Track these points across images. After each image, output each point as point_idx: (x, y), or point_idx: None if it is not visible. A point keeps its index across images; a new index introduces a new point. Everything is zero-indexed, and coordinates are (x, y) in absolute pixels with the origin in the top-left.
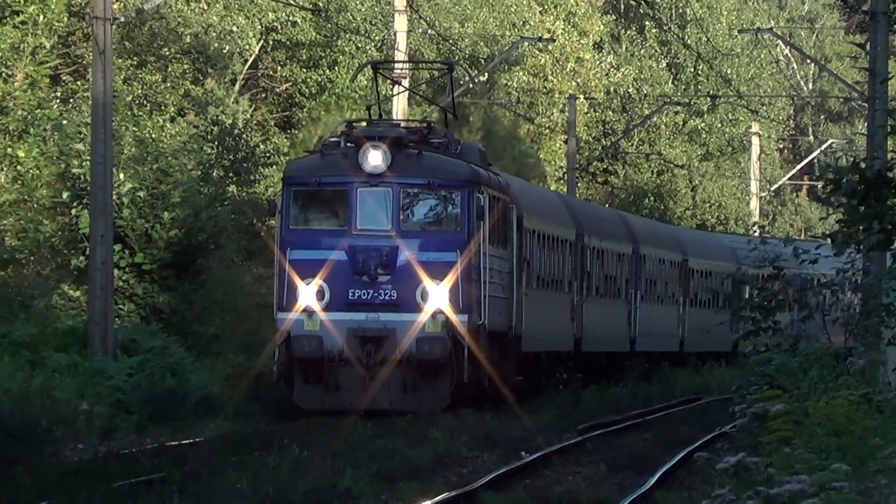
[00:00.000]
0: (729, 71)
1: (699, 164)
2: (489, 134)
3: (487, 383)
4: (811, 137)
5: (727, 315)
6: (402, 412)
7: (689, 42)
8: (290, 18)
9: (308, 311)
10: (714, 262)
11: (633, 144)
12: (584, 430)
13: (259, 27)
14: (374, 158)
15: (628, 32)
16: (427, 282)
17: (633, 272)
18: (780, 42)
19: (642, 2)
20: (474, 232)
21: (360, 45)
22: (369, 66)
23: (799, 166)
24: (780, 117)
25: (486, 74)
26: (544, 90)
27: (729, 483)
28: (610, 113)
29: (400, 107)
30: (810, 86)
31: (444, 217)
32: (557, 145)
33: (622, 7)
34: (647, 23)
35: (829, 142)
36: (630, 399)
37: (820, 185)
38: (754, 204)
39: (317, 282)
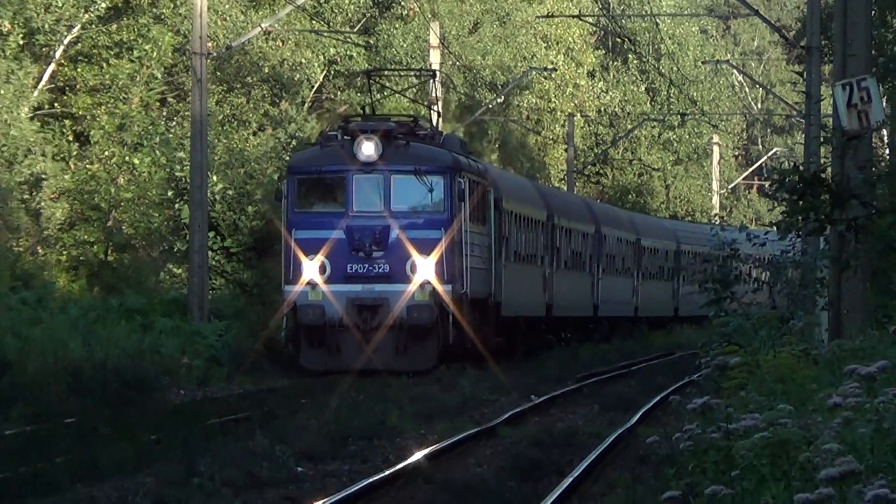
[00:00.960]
0: (694, 94)
1: (671, 168)
2: (505, 144)
3: (470, 345)
4: (760, 146)
5: (672, 284)
6: (395, 371)
7: (663, 71)
8: (348, 53)
9: (311, 284)
10: (661, 241)
11: (619, 152)
12: (581, 379)
13: (322, 60)
14: (368, 149)
15: (615, 63)
16: (416, 256)
17: (596, 249)
18: (734, 71)
19: (626, 39)
20: (456, 212)
21: (403, 74)
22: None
23: (750, 169)
24: (735, 130)
25: (503, 97)
26: (548, 109)
27: (696, 420)
28: (601, 127)
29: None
30: (759, 105)
31: (430, 199)
32: (559, 153)
33: (610, 43)
34: (629, 56)
35: (774, 150)
36: (616, 354)
37: (767, 184)
38: (715, 199)
39: (319, 258)
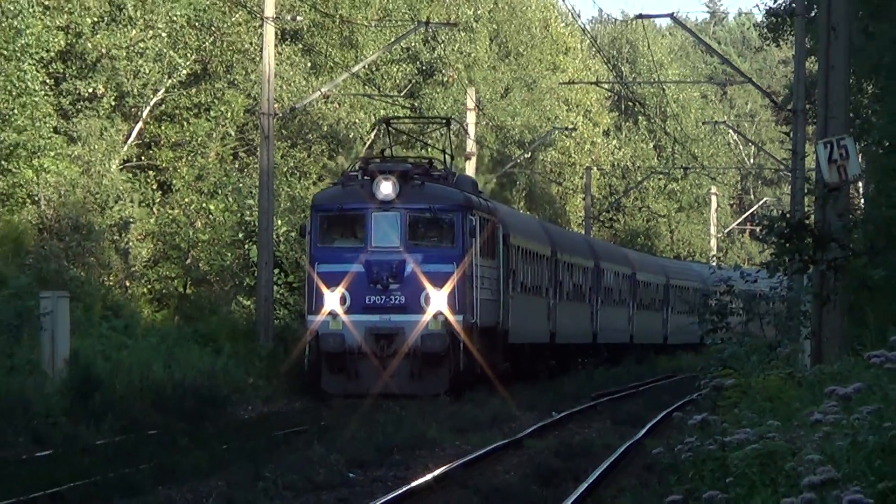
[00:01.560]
0: (695, 150)
1: (675, 215)
2: (531, 193)
3: (480, 370)
4: (752, 196)
5: (662, 315)
6: (409, 395)
7: (668, 130)
8: (395, 114)
9: (333, 314)
10: (653, 275)
11: (629, 201)
12: (596, 398)
13: (373, 120)
14: (386, 188)
15: (626, 124)
16: (429, 288)
17: (595, 282)
18: (730, 130)
19: (636, 103)
20: (468, 247)
21: (443, 132)
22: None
23: (743, 216)
24: (731, 182)
25: (529, 153)
26: (569, 163)
27: (696, 433)
28: (614, 179)
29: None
30: (751, 161)
31: (443, 235)
32: (578, 201)
33: (623, 106)
34: (639, 117)
35: (764, 199)
36: (627, 376)
37: (758, 229)
38: (713, 242)
39: (340, 290)
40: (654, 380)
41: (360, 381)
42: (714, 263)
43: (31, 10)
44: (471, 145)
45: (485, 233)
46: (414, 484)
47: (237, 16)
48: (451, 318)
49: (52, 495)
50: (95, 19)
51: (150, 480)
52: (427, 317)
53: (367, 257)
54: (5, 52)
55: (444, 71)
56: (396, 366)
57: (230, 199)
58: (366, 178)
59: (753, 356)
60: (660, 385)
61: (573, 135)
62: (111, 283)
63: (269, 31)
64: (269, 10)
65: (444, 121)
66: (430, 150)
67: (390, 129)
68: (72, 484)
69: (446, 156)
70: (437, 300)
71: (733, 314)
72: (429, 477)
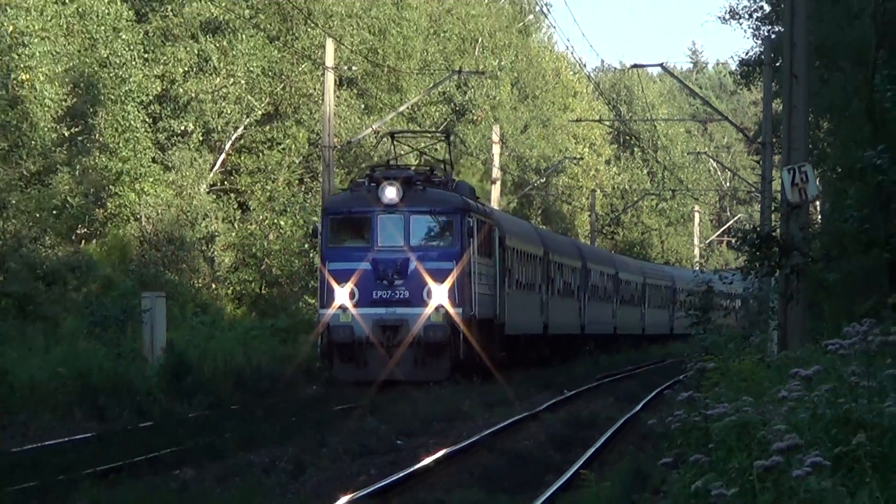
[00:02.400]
0: (681, 175)
1: (665, 228)
2: (546, 211)
3: (478, 359)
4: (728, 213)
5: (642, 309)
6: (413, 382)
7: (659, 159)
8: (434, 146)
9: (343, 308)
10: (632, 275)
11: (627, 217)
12: (600, 379)
13: (415, 152)
14: (390, 193)
15: (624, 154)
16: (431, 284)
17: (583, 280)
18: (710, 159)
19: (633, 137)
20: (466, 246)
21: (472, 163)
22: (389, 135)
23: (721, 229)
24: (711, 202)
25: (544, 178)
26: (577, 186)
27: (683, 408)
28: (614, 199)
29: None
30: (727, 184)
31: (443, 235)
32: (584, 217)
33: (621, 140)
34: (635, 149)
35: (738, 216)
36: (624, 362)
37: (734, 240)
38: (696, 251)
39: (349, 285)
40: (648, 364)
41: (369, 368)
42: (697, 268)
43: (133, 61)
44: (496, 172)
45: (482, 233)
46: (451, 449)
47: (303, 66)
48: (451, 310)
49: (153, 459)
50: (186, 69)
51: (233, 447)
52: (429, 310)
53: (373, 256)
54: (112, 96)
55: (473, 111)
56: (401, 355)
57: (297, 216)
58: (372, 184)
59: (730, 344)
60: (652, 369)
61: (580, 163)
62: (200, 285)
63: (330, 79)
64: (330, 61)
65: (444, 134)
66: (433, 160)
67: (395, 141)
68: (168, 450)
69: (446, 165)
70: (439, 294)
71: (713, 309)
72: (463, 444)
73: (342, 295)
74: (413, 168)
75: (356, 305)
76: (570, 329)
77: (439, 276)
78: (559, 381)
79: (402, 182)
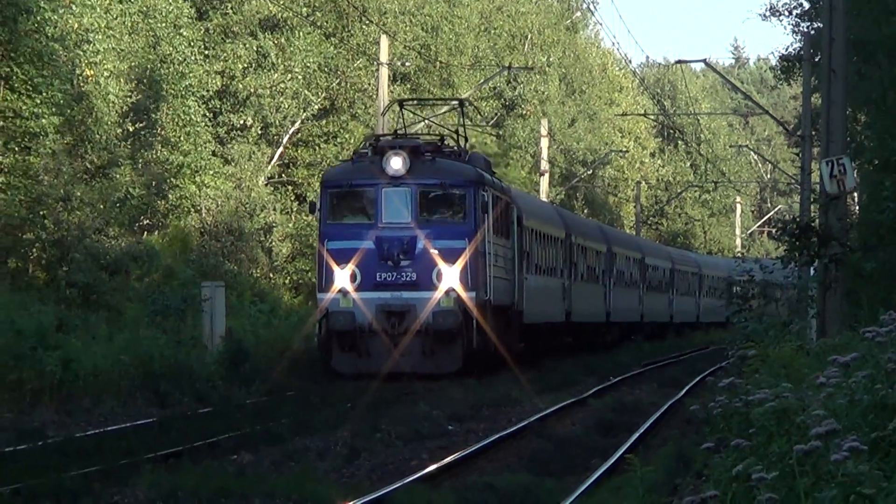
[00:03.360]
0: (723, 168)
1: (707, 219)
2: (591, 202)
3: (493, 349)
4: (769, 204)
5: (669, 296)
6: (421, 375)
7: (702, 152)
8: (484, 140)
9: (343, 291)
10: (661, 260)
11: (671, 208)
12: (645, 365)
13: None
14: (396, 163)
15: (668, 147)
16: (441, 265)
17: (608, 264)
18: (751, 152)
19: (677, 130)
20: (480, 223)
21: (521, 155)
22: (397, 103)
23: (762, 220)
24: (752, 193)
25: (591, 170)
26: (622, 178)
27: (725, 394)
28: (658, 191)
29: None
30: (768, 176)
31: (455, 211)
32: (630, 209)
33: (665, 133)
34: (679, 142)
35: (779, 207)
36: (668, 348)
37: (774, 230)
38: (738, 241)
39: (350, 266)
40: (691, 351)
41: (371, 359)
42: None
43: (193, 58)
44: (544, 165)
45: (498, 210)
46: (500, 434)
47: (358, 62)
48: (463, 294)
49: (211, 444)
50: (245, 65)
51: (289, 432)
52: (439, 293)
53: (377, 233)
54: (173, 92)
55: (522, 106)
56: (408, 344)
57: None
58: (376, 154)
59: (770, 332)
60: (694, 356)
61: (626, 156)
62: (258, 275)
63: (384, 74)
64: (384, 57)
65: (459, 102)
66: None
67: (403, 110)
68: (226, 435)
69: (460, 137)
70: (449, 276)
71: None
72: (512, 429)
73: (342, 277)
74: (424, 139)
75: (358, 289)
76: (595, 317)
77: (450, 257)
78: (605, 367)
79: (408, 152)
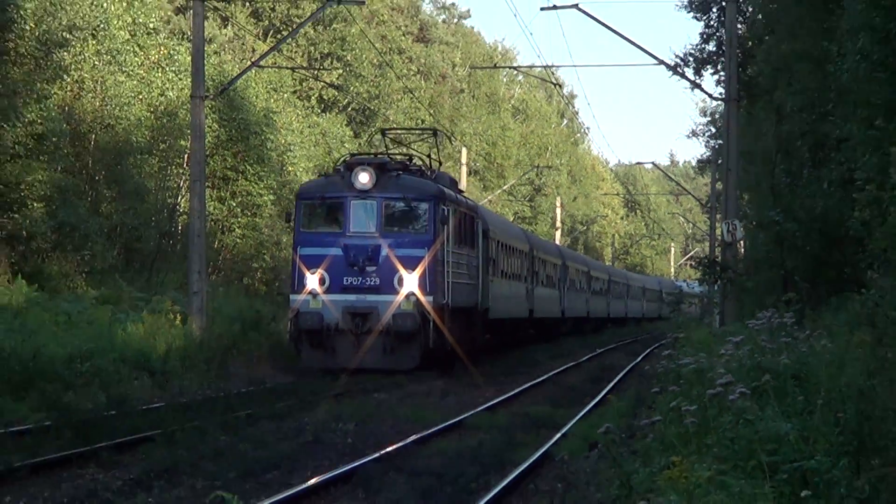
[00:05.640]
0: (664, 226)
1: (654, 256)
2: (586, 245)
3: (450, 347)
4: (691, 247)
5: (606, 299)
6: (383, 370)
7: (651, 216)
8: (522, 208)
9: (313, 294)
10: (600, 273)
11: (633, 249)
12: (616, 343)
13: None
14: (363, 178)
15: (631, 213)
16: (402, 271)
17: (563, 273)
18: (681, 216)
19: (636, 204)
20: (439, 234)
21: (544, 218)
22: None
23: (686, 257)
24: (680, 241)
25: (585, 227)
26: (604, 232)
27: (665, 360)
28: (626, 239)
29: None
30: (690, 230)
31: (416, 222)
32: (608, 250)
33: (629, 205)
34: (637, 210)
35: (697, 249)
36: (626, 336)
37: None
38: (672, 269)
39: (320, 271)
40: (640, 336)
41: (338, 356)
42: (674, 279)
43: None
44: (558, 223)
45: (457, 220)
46: (528, 384)
47: (447, 163)
48: (422, 298)
49: (363, 388)
50: None
51: (408, 382)
52: (400, 297)
53: (345, 241)
54: None
55: (545, 189)
56: (371, 342)
57: None
58: (347, 171)
59: (692, 323)
60: (644, 338)
61: (606, 219)
62: None
63: (463, 171)
64: (464, 160)
65: (433, 131)
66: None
67: (386, 136)
68: (372, 383)
69: (431, 160)
70: (409, 282)
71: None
72: (536, 380)
73: (313, 281)
74: (392, 157)
75: (326, 292)
76: (553, 313)
77: (411, 264)
78: (583, 349)
79: (375, 168)
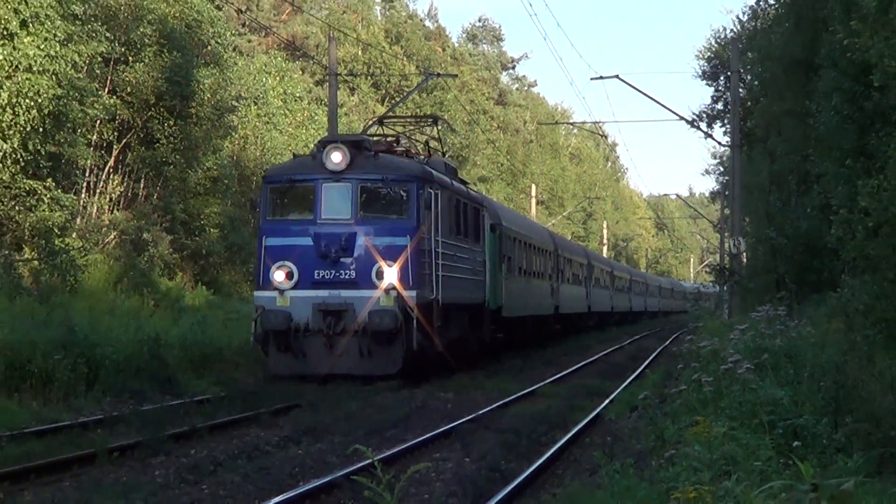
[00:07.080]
0: (685, 242)
1: (678, 265)
2: (627, 257)
3: (438, 349)
4: (705, 257)
5: (628, 296)
6: (359, 376)
7: (675, 235)
8: (578, 230)
9: (279, 290)
10: (623, 273)
11: (662, 260)
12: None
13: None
14: (336, 157)
15: (660, 232)
16: (381, 262)
17: (588, 272)
18: (698, 235)
19: (665, 225)
20: (424, 220)
21: (595, 237)
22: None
23: (702, 265)
24: (698, 254)
25: (626, 244)
26: (640, 247)
27: (687, 343)
28: (657, 252)
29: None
30: (705, 245)
31: (397, 207)
32: (644, 260)
33: (659, 226)
34: (665, 230)
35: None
36: (643, 327)
37: (709, 269)
38: (692, 274)
39: (287, 264)
40: (659, 328)
41: (308, 360)
42: (693, 282)
43: None
44: (605, 240)
45: (450, 207)
46: (547, 381)
47: (521, 196)
48: (403, 293)
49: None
50: None
51: (493, 364)
52: (378, 292)
53: (315, 230)
54: None
55: (595, 215)
56: (345, 344)
57: None
58: (319, 151)
59: (707, 315)
60: (670, 327)
61: (640, 237)
62: None
63: (533, 203)
64: (533, 194)
65: (433, 119)
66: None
67: (384, 125)
68: (466, 365)
69: (429, 147)
70: (389, 275)
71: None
72: (556, 376)
73: (279, 275)
74: (376, 138)
75: (295, 287)
76: (578, 309)
77: (391, 254)
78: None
79: (350, 146)
